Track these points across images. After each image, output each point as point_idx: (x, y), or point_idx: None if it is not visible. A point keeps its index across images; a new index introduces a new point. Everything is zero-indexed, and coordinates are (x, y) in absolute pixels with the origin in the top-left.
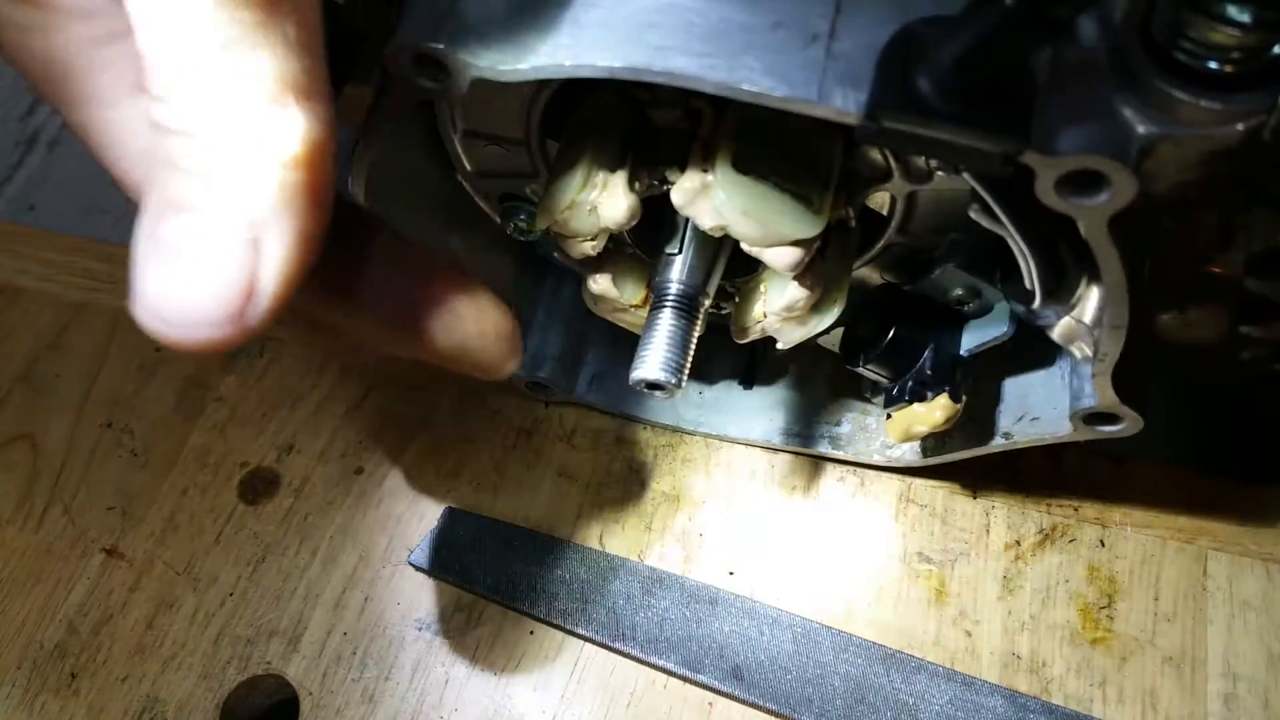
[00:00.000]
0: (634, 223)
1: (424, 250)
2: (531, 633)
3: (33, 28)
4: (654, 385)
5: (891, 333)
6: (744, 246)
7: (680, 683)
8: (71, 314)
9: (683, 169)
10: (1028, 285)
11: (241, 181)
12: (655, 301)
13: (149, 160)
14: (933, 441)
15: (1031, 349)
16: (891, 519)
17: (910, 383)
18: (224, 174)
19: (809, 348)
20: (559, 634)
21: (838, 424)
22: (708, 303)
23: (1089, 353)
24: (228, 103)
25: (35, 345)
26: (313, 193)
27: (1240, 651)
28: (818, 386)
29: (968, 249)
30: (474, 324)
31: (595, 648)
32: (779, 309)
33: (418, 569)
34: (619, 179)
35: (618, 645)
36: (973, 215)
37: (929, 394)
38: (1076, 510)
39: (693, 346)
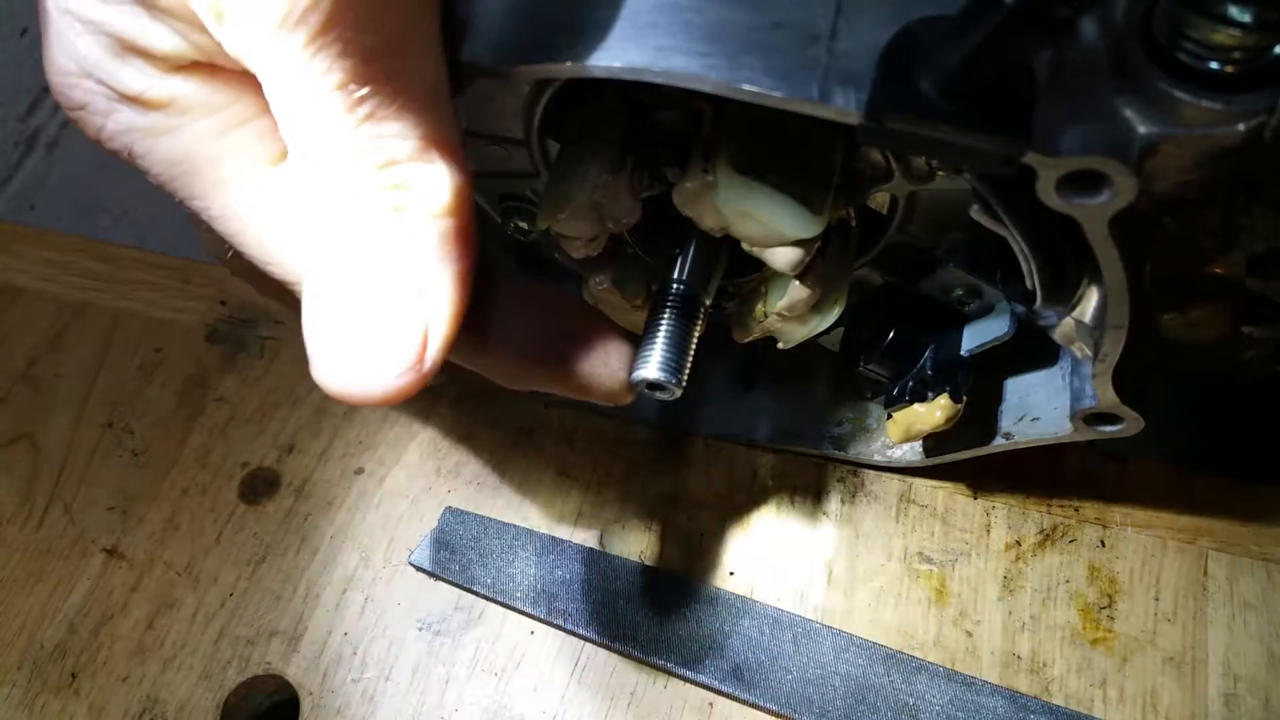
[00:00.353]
0: (634, 223)
1: (547, 288)
2: (532, 633)
3: (161, 130)
4: (654, 385)
5: (892, 333)
6: (744, 246)
7: (680, 683)
8: (72, 314)
9: (683, 169)
10: (1029, 285)
11: (405, 240)
12: (655, 302)
13: (284, 236)
14: (933, 442)
15: (1032, 349)
16: (892, 519)
17: (911, 383)
18: (386, 234)
19: (809, 348)
20: (559, 634)
21: (838, 424)
22: (708, 303)
23: (1090, 353)
24: (380, 170)
25: (35, 345)
26: (464, 235)
27: (1241, 652)
28: (818, 387)
29: (968, 249)
30: (601, 356)
31: (596, 648)
32: (780, 309)
33: (418, 569)
34: (620, 179)
35: (618, 645)
36: (974, 215)
37: (929, 394)
38: (1077, 510)
39: (693, 347)
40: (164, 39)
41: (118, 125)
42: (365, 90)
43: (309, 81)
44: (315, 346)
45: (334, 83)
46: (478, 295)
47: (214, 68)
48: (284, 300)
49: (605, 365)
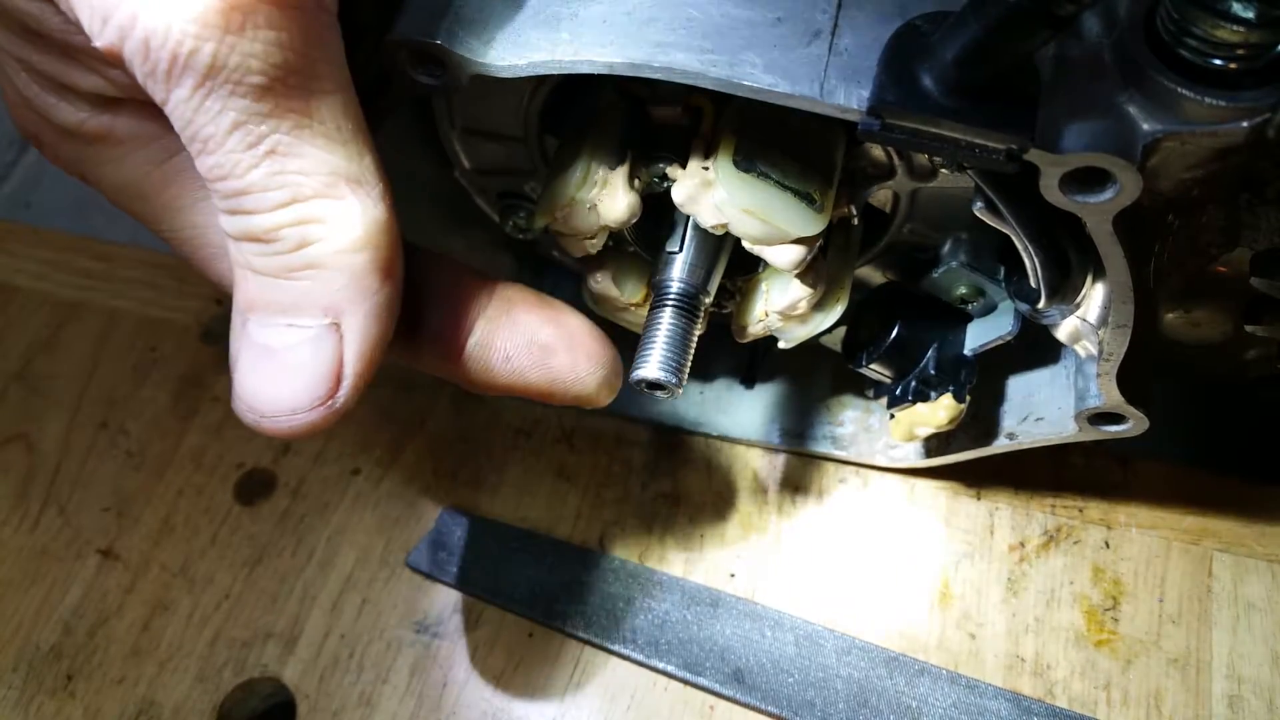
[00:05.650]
0: (634, 220)
1: (497, 282)
2: (531, 635)
3: (104, 161)
4: (654, 385)
5: (894, 332)
6: (745, 244)
7: (681, 685)
8: (67, 313)
9: (683, 166)
10: (1032, 284)
11: (312, 274)
12: (656, 300)
13: (228, 260)
14: (936, 442)
15: (1036, 348)
16: (894, 520)
17: (913, 382)
18: (294, 270)
19: (811, 347)
20: (558, 636)
21: (840, 424)
22: (709, 301)
23: (1094, 352)
24: (284, 204)
25: (30, 345)
26: (381, 268)
27: (1245, 653)
28: (820, 386)
29: (972, 247)
30: (565, 355)
31: (595, 650)
32: (781, 308)
33: (416, 571)
34: (619, 176)
35: (618, 648)
36: (977, 213)
37: (932, 394)
38: (1081, 511)
39: (693, 346)
40: (85, 79)
41: (66, 154)
42: (263, 128)
43: (205, 123)
44: (236, 378)
45: (229, 123)
46: (422, 301)
47: (141, 102)
48: None
49: (573, 371)
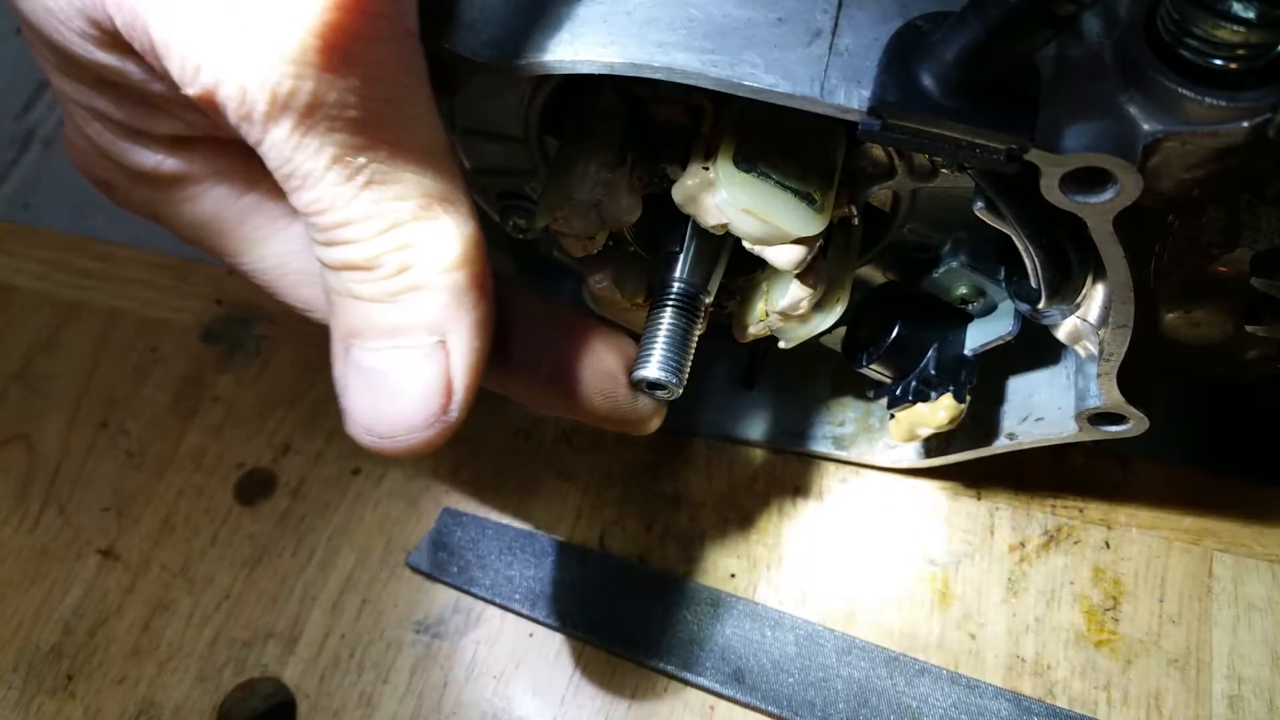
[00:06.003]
0: (634, 220)
1: (574, 312)
2: (531, 635)
3: (180, 200)
4: (654, 385)
5: (894, 332)
6: (746, 244)
7: (681, 685)
8: (66, 313)
9: (684, 166)
10: (1033, 284)
11: (415, 295)
12: (656, 300)
13: (318, 284)
14: (936, 442)
15: (1036, 349)
16: (895, 521)
17: (914, 382)
18: (398, 293)
19: (811, 347)
20: (559, 636)
21: (840, 424)
22: (709, 301)
23: (1094, 352)
24: (384, 230)
25: (30, 345)
26: (477, 283)
27: (1245, 653)
28: (820, 386)
29: (972, 247)
30: (625, 388)
31: (595, 650)
32: (781, 308)
33: (416, 571)
34: (619, 176)
35: (618, 648)
36: (977, 213)
37: (933, 394)
38: (1081, 511)
39: (694, 346)
40: (163, 123)
41: (140, 197)
42: (361, 160)
43: (304, 160)
44: (348, 403)
45: (328, 158)
46: (504, 326)
47: (218, 139)
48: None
49: (632, 400)
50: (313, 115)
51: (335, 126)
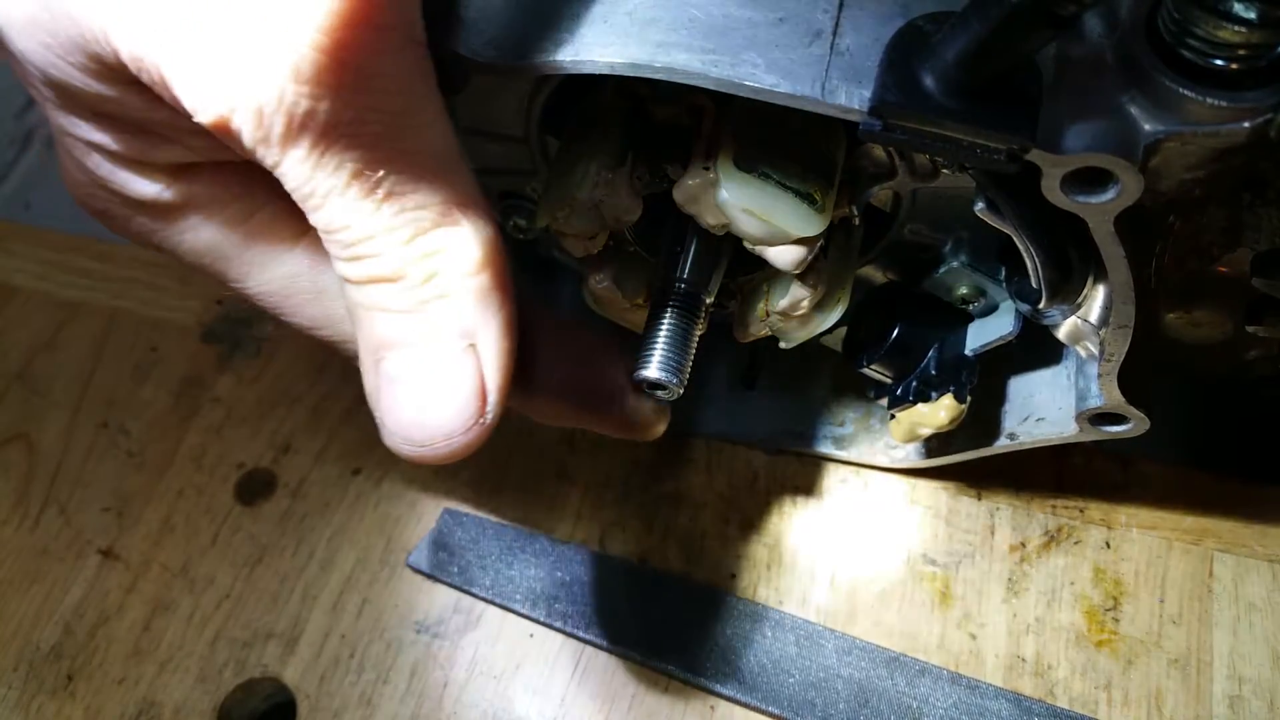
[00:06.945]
0: (635, 220)
1: (585, 329)
2: (531, 635)
3: (183, 229)
4: (655, 385)
5: (895, 332)
6: (746, 244)
7: (682, 685)
8: (67, 313)
9: (684, 166)
10: (1033, 284)
11: (443, 302)
12: (656, 300)
13: (324, 302)
14: (937, 442)
15: (1036, 349)
16: (895, 521)
17: (914, 383)
18: (426, 302)
19: (812, 347)
20: (559, 636)
21: (841, 424)
22: (710, 301)
23: (1095, 352)
24: (407, 241)
25: (31, 344)
26: (501, 284)
27: (1246, 654)
28: (820, 387)
29: (973, 247)
30: (636, 397)
31: (596, 650)
32: (782, 308)
33: (416, 571)
34: (620, 176)
35: (618, 648)
36: (978, 213)
37: (933, 394)
38: (1082, 512)
39: (694, 346)
40: (164, 152)
41: (140, 227)
42: (380, 173)
43: (324, 178)
44: (383, 414)
45: (348, 174)
46: (544, 348)
47: (220, 164)
48: (333, 352)
49: (640, 411)
50: (331, 133)
51: (353, 143)
